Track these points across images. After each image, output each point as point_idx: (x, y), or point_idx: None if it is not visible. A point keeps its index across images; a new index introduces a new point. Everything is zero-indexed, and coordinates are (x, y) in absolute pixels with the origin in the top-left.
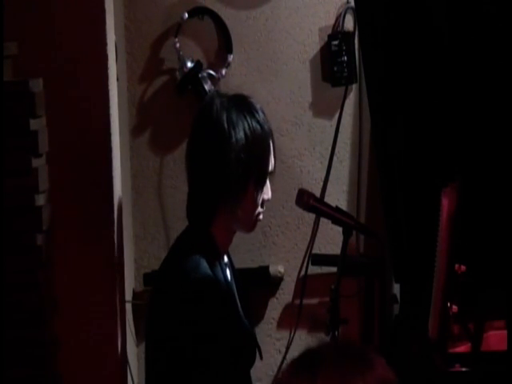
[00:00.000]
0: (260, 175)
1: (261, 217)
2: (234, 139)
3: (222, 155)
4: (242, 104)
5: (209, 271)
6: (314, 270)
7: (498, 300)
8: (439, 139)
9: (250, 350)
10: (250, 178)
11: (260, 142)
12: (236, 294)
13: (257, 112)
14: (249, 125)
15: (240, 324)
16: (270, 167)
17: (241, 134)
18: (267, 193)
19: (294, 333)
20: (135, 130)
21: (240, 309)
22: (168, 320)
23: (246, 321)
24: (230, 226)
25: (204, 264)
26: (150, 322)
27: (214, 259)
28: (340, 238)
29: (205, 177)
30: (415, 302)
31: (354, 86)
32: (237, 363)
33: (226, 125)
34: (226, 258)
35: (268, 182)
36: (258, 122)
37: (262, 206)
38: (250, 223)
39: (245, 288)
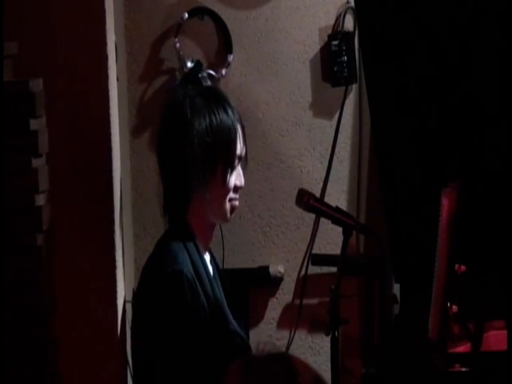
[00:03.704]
0: (227, 158)
1: (235, 203)
2: (197, 123)
3: (186, 139)
4: (208, 93)
5: (188, 263)
6: (314, 270)
7: (497, 300)
8: (439, 139)
9: (238, 349)
10: (217, 161)
11: (225, 126)
12: (221, 291)
13: (223, 99)
14: (212, 110)
15: (225, 322)
16: (239, 151)
17: (204, 119)
18: (239, 180)
19: (294, 333)
20: (135, 130)
21: (226, 307)
22: (147, 314)
23: (234, 321)
24: (204, 216)
25: (183, 254)
26: (133, 316)
27: (194, 250)
28: (340, 238)
29: (173, 164)
30: (415, 302)
31: (354, 86)
32: (222, 361)
33: (188, 111)
34: (208, 256)
35: (240, 168)
36: (223, 107)
37: (235, 192)
38: (222, 210)
39: (238, 290)
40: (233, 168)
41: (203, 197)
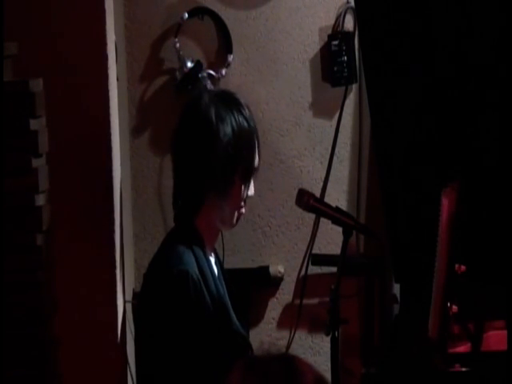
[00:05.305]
0: (246, 170)
1: (243, 211)
2: (222, 134)
3: (210, 149)
4: (230, 100)
5: (193, 263)
6: (314, 270)
7: (497, 300)
8: (439, 139)
9: (240, 349)
10: (236, 172)
11: (246, 138)
12: (225, 292)
13: (243, 108)
14: (236, 120)
15: (229, 322)
16: (255, 163)
17: (228, 129)
18: (251, 189)
19: (294, 333)
20: (135, 130)
21: (230, 307)
22: (152, 314)
23: (237, 321)
24: (213, 222)
25: (188, 255)
26: (137, 317)
27: (200, 252)
28: (340, 238)
29: (192, 170)
30: (415, 302)
31: (354, 86)
32: (225, 362)
33: (214, 119)
34: (213, 256)
35: (251, 178)
36: (244, 117)
37: (244, 203)
38: (233, 219)
39: (238, 290)
40: (250, 180)
41: (217, 206)
